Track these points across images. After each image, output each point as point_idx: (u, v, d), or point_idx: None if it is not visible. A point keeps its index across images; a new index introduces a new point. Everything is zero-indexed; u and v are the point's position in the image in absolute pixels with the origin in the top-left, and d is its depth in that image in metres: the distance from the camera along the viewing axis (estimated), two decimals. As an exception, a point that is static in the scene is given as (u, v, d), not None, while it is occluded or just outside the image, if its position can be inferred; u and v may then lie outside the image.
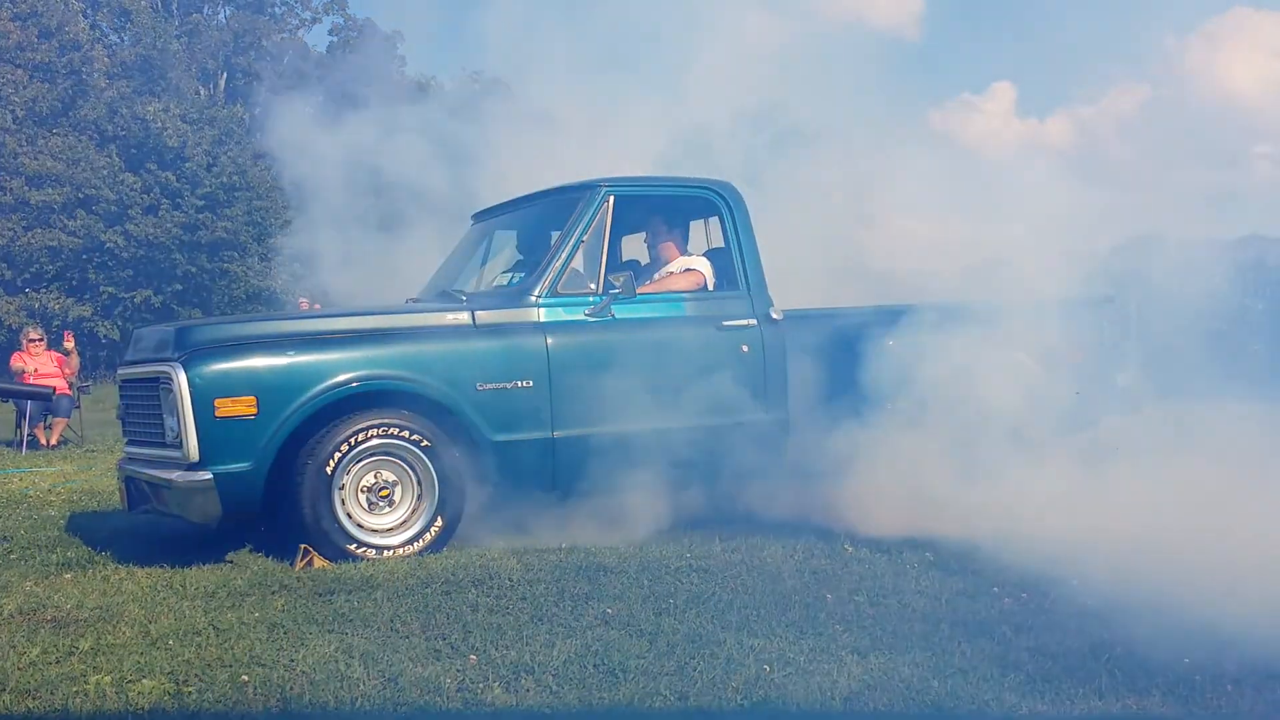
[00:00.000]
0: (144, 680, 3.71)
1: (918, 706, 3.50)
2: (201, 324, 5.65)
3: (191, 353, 5.31)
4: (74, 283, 33.76)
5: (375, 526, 5.50)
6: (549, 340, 5.77)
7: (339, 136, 10.08)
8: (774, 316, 6.25)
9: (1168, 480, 5.77)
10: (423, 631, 4.19)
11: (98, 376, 26.26)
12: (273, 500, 5.37)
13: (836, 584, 4.93)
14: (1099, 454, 6.14)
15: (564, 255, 6.01)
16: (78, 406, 14.14)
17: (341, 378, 5.36)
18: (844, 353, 6.13)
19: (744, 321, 6.20)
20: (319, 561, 5.31)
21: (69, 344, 14.84)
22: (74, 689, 3.63)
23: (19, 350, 14.23)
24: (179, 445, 5.23)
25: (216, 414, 5.18)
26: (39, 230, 33.00)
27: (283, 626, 4.28)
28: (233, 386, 5.23)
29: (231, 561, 5.48)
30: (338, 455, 5.35)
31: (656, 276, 6.47)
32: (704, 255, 6.55)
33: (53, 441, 13.17)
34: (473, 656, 3.84)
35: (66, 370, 14.15)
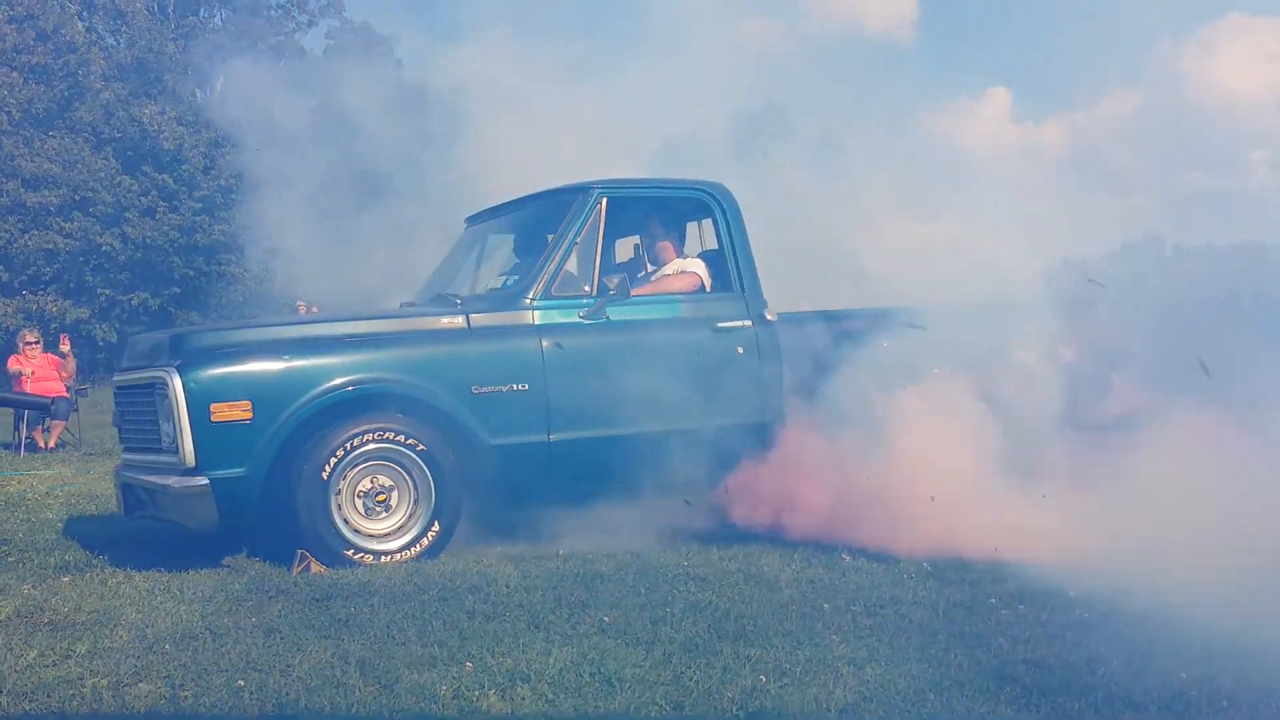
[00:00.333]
0: (140, 684, 3.71)
1: (914, 718, 3.50)
2: (196, 330, 5.67)
3: (187, 358, 5.32)
4: (71, 285, 33.72)
5: (372, 531, 5.50)
6: (544, 343, 5.78)
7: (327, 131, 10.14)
8: (768, 318, 6.26)
9: (1167, 489, 5.75)
10: (419, 638, 4.18)
11: (95, 379, 26.26)
12: (270, 505, 5.37)
13: (833, 594, 4.93)
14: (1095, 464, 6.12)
15: (558, 257, 6.03)
16: (75, 409, 14.12)
17: (336, 381, 5.37)
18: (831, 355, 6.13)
19: (739, 323, 6.21)
20: (316, 567, 5.31)
21: (65, 347, 14.82)
22: (71, 692, 3.63)
23: (15, 354, 14.19)
24: (175, 451, 5.24)
25: (212, 419, 5.19)
26: (36, 232, 32.96)
27: (279, 632, 4.28)
28: (228, 391, 5.23)
29: (229, 566, 5.48)
30: (334, 460, 5.36)
31: (652, 278, 6.48)
32: (699, 257, 6.56)
33: (51, 444, 13.15)
34: (469, 664, 3.84)
35: (63, 373, 14.14)
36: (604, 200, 6.16)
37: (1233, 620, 4.24)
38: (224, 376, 5.27)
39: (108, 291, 33.63)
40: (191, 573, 5.33)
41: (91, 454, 12.60)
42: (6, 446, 13.24)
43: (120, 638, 4.24)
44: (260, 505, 5.33)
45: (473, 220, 7.17)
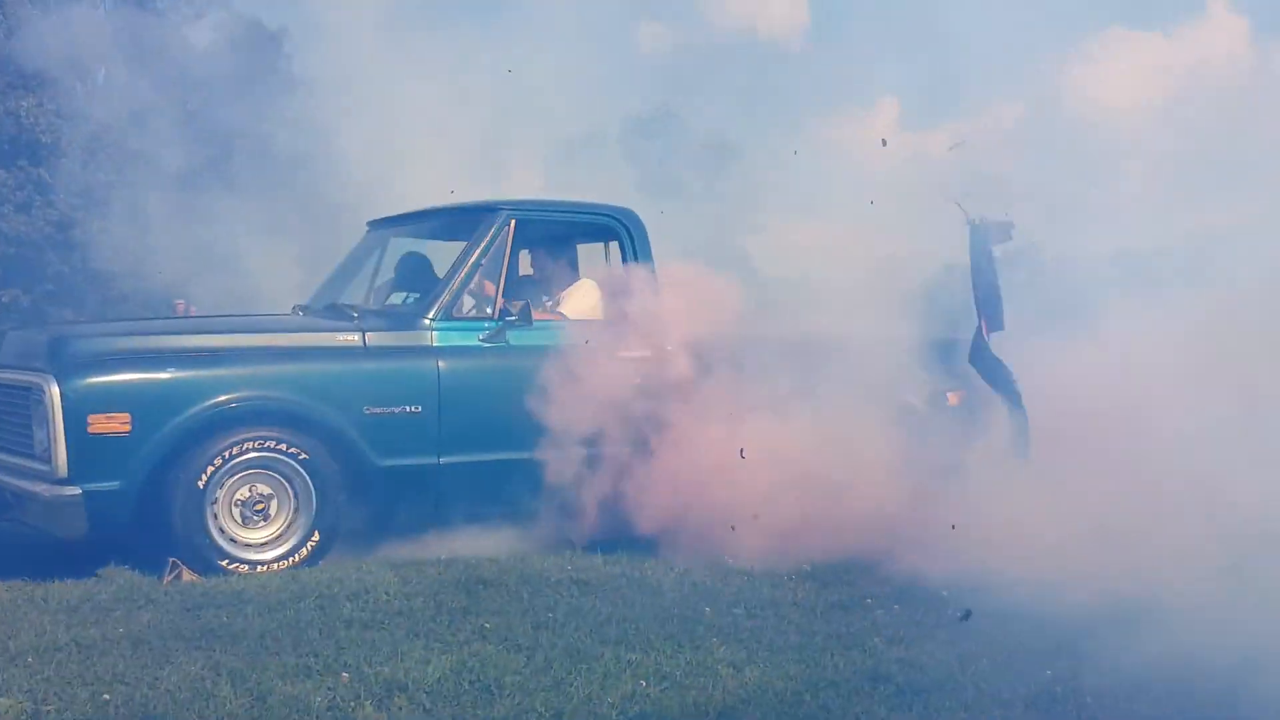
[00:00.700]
0: (1, 699, 3.57)
1: (790, 720, 3.55)
2: (77, 334, 5.47)
3: (65, 365, 5.13)
4: (-61, 281, 32.42)
5: (249, 540, 5.37)
6: (441, 365, 5.71)
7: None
8: (669, 349, 6.24)
9: (1038, 489, 5.87)
10: (294, 648, 4.10)
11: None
12: (144, 512, 5.21)
13: (715, 597, 4.97)
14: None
15: (460, 278, 5.96)
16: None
17: (222, 398, 5.22)
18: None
19: (639, 353, 6.16)
20: (188, 575, 5.17)
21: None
22: (-78, 711, 3.49)
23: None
24: (47, 459, 5.05)
25: (89, 430, 5.01)
26: (-98, 227, 31.63)
27: (148, 643, 4.15)
28: (108, 402, 5.06)
29: (97, 575, 5.30)
30: (211, 468, 5.22)
31: (553, 302, 6.44)
32: (601, 283, 6.52)
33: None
34: (345, 674, 3.77)
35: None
36: (511, 222, 6.11)
37: (1098, 617, 4.37)
38: (104, 387, 5.09)
39: (-23, 288, 32.41)
40: (58, 581, 5.14)
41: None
42: None
43: (-21, 651, 4.08)
44: (134, 516, 5.16)
45: (375, 225, 7.05)
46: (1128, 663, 3.92)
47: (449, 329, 5.88)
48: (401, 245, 6.94)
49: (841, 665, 4.03)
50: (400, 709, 3.53)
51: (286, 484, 5.44)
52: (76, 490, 5.05)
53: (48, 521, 5.13)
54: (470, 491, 5.76)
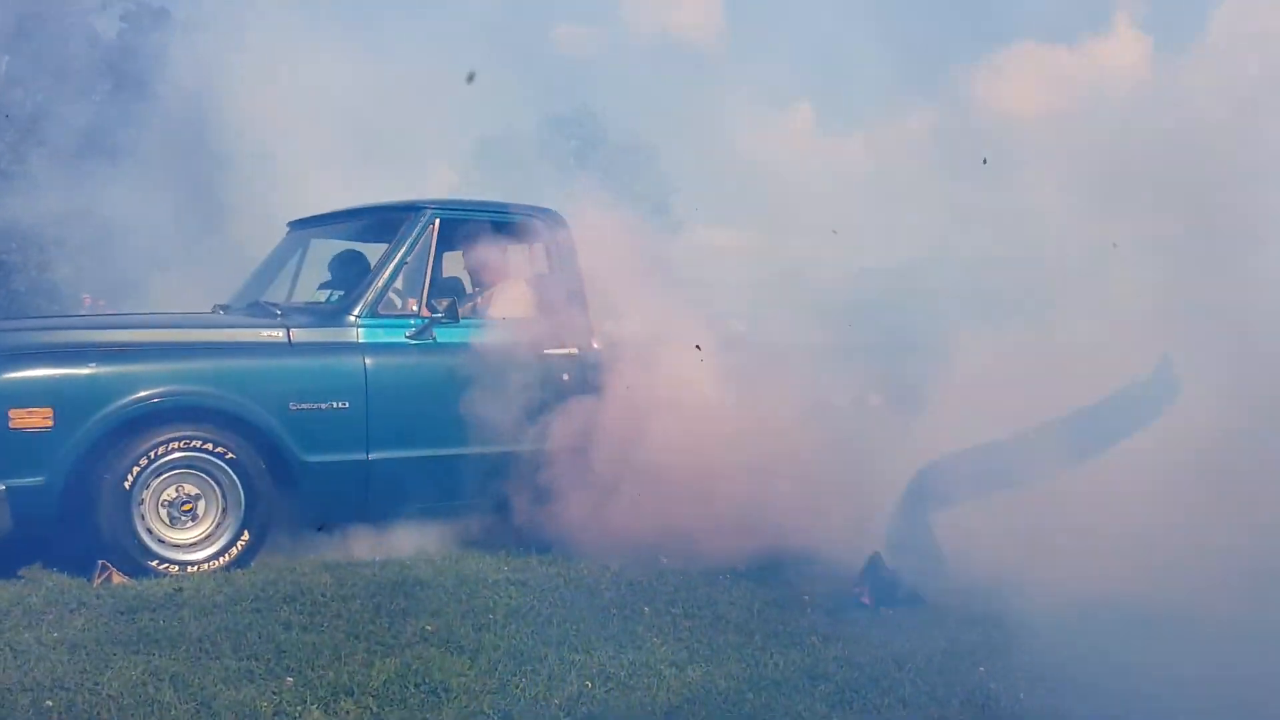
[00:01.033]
0: (-67, 709, 3.50)
1: (735, 719, 3.61)
2: None
3: None
4: None
5: (178, 541, 5.30)
6: (367, 361, 5.69)
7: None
8: (595, 346, 6.30)
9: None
10: (234, 652, 4.07)
11: None
12: (69, 513, 5.12)
13: (653, 596, 5.03)
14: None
15: (386, 275, 5.94)
16: None
17: (144, 392, 5.16)
18: None
19: (565, 350, 6.23)
20: (117, 578, 5.09)
21: None
22: None
23: None
24: None
25: (10, 425, 4.92)
26: None
27: (84, 647, 4.09)
28: (28, 397, 4.97)
29: (24, 577, 5.20)
30: (137, 469, 5.15)
31: (480, 300, 6.44)
32: (526, 282, 6.54)
33: None
34: (289, 679, 3.76)
35: None
36: (436, 221, 6.11)
37: (1028, 609, 4.49)
38: (24, 381, 5.00)
39: None
40: (-18, 585, 5.04)
41: None
42: None
43: (-93, 659, 3.98)
44: (59, 514, 5.07)
45: (296, 225, 6.98)
46: (1060, 659, 4.07)
47: (375, 325, 5.86)
48: (323, 245, 6.89)
49: (782, 664, 4.11)
50: (348, 713, 3.53)
51: (214, 483, 5.38)
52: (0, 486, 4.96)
53: None
54: (400, 487, 5.75)
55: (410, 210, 6.17)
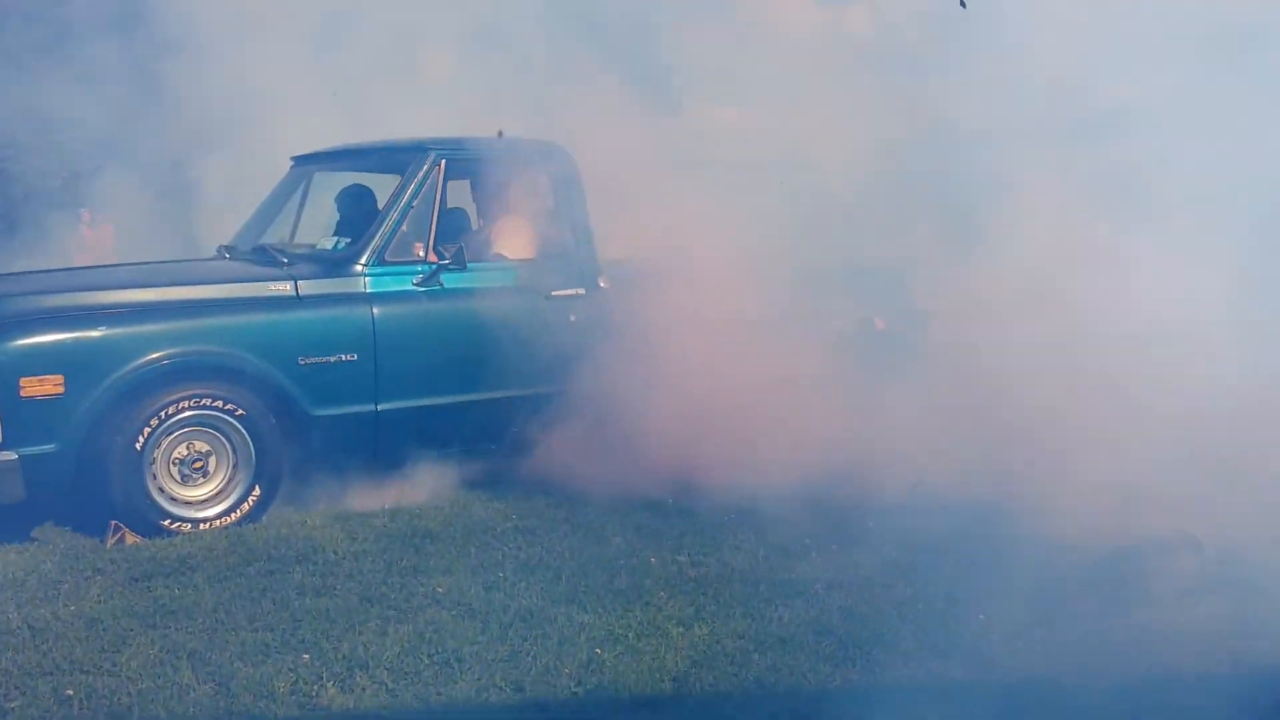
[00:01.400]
0: (-40, 697, 3.59)
1: (741, 683, 3.70)
2: (3, 294, 5.32)
3: None
4: None
5: (189, 498, 5.36)
6: (375, 311, 5.68)
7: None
8: (601, 285, 6.28)
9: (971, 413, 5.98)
10: (249, 623, 4.14)
11: None
12: (81, 475, 5.17)
13: (659, 541, 5.10)
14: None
15: (392, 221, 5.89)
16: None
17: (155, 354, 5.16)
18: None
19: (572, 291, 6.21)
20: (130, 538, 5.16)
21: None
22: (-118, 713, 3.50)
23: None
24: None
25: (21, 394, 4.93)
26: None
27: (101, 622, 4.16)
28: (39, 365, 4.98)
29: (36, 539, 5.27)
30: (148, 430, 5.18)
31: (486, 240, 6.40)
32: (532, 220, 6.49)
33: None
34: (305, 655, 3.83)
35: None
36: (441, 163, 6.04)
37: (1034, 551, 4.54)
38: (34, 348, 5.00)
39: None
40: (-3, 549, 5.11)
41: None
42: None
43: (-70, 637, 4.07)
44: (72, 479, 5.12)
45: (300, 161, 6.90)
46: (1054, 603, 4.14)
47: (382, 274, 5.84)
48: (326, 181, 6.83)
49: (786, 618, 4.18)
50: (364, 689, 3.61)
51: (224, 440, 5.42)
52: (12, 455, 4.98)
53: None
54: (409, 436, 5.80)
55: (414, 151, 6.10)
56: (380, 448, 5.73)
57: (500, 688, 3.62)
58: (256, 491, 5.45)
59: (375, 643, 3.94)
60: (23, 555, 5.03)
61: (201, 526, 5.32)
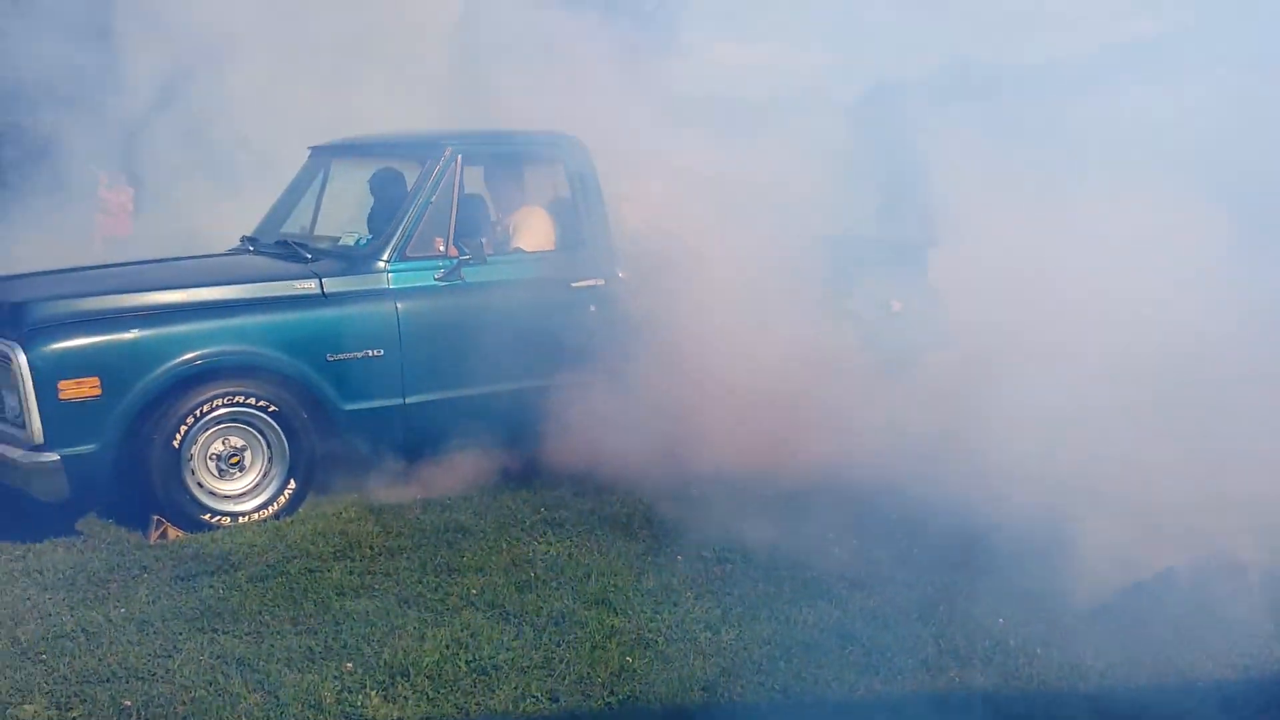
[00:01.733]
0: (25, 705, 3.75)
1: (768, 692, 3.84)
2: (40, 297, 5.44)
3: (31, 331, 5.16)
4: None
5: (227, 492, 5.52)
6: (399, 306, 5.80)
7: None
8: (620, 275, 6.38)
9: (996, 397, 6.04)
10: (293, 626, 4.30)
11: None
12: (122, 473, 5.33)
13: (684, 536, 5.22)
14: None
15: (412, 217, 5.99)
16: None
17: (188, 355, 5.30)
18: None
19: (592, 281, 6.32)
20: (173, 533, 5.33)
21: None
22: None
23: None
24: (22, 425, 5.13)
25: (60, 396, 5.08)
26: None
27: (151, 625, 4.33)
28: (76, 368, 5.12)
29: (82, 534, 5.43)
30: (184, 428, 5.33)
31: (507, 233, 6.49)
32: (549, 212, 6.58)
33: None
34: (349, 663, 3.99)
35: None
36: (458, 158, 6.13)
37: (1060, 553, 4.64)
38: (71, 352, 5.14)
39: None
40: (46, 544, 5.27)
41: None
42: None
43: (-11, 640, 4.23)
44: (113, 476, 5.28)
45: (318, 151, 7.00)
46: (1077, 610, 4.27)
47: (404, 270, 5.95)
48: (343, 171, 6.94)
49: (811, 622, 4.32)
50: (406, 698, 3.76)
51: (259, 435, 5.57)
52: (55, 456, 5.14)
53: (28, 486, 5.22)
54: (436, 428, 5.94)
55: (431, 147, 6.19)
56: (409, 440, 5.88)
57: (536, 697, 3.78)
58: (291, 485, 5.60)
59: (414, 648, 4.09)
60: (70, 552, 5.20)
61: (241, 520, 5.48)
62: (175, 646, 4.16)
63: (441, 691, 3.81)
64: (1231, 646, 4.08)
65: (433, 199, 6.06)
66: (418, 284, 5.95)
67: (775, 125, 7.84)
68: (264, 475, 5.59)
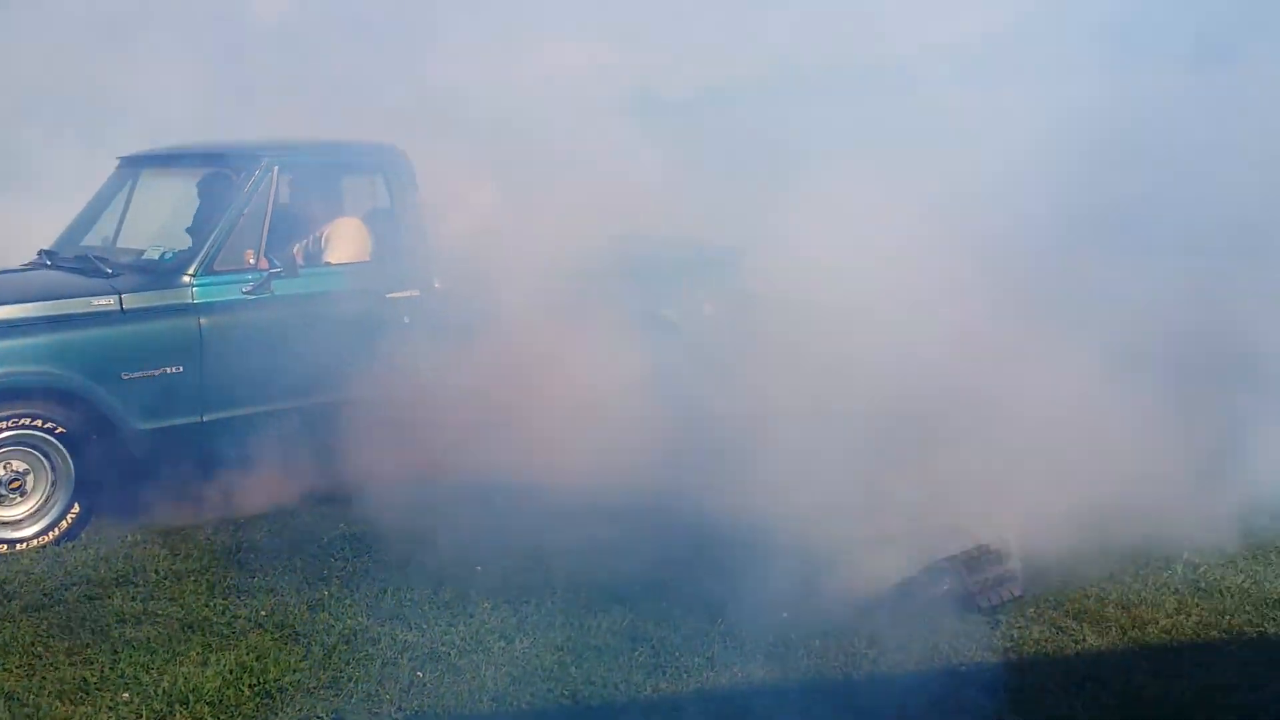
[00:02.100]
0: None
1: (557, 698, 3.87)
2: None
3: None
4: None
5: (5, 519, 5.28)
6: (202, 321, 5.64)
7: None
8: (436, 286, 6.33)
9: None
10: (68, 657, 4.14)
11: None
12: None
13: (485, 546, 5.18)
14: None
15: (223, 230, 5.84)
16: None
17: None
18: None
19: (407, 293, 6.25)
20: (-55, 562, 5.08)
21: None
22: None
23: None
24: None
25: None
26: None
27: (-87, 662, 4.12)
28: None
29: None
30: (-38, 453, 5.09)
31: (321, 244, 6.37)
32: (366, 223, 6.49)
33: None
34: (124, 694, 3.86)
35: None
36: (274, 169, 5.99)
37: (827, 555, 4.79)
38: None
39: None
40: None
41: None
42: None
43: None
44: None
45: (128, 161, 6.74)
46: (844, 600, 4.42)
47: (210, 284, 5.79)
48: (153, 182, 6.71)
49: (603, 626, 4.37)
50: (184, 727, 3.67)
51: (43, 458, 5.35)
52: None
53: None
54: (236, 446, 5.79)
55: (247, 159, 6.05)
56: (207, 459, 5.71)
57: (321, 718, 3.72)
58: (75, 509, 5.39)
59: (196, 674, 3.98)
60: None
61: (18, 547, 5.25)
62: (-62, 685, 3.95)
63: (222, 718, 3.72)
64: (991, 630, 4.29)
65: (245, 210, 5.92)
66: (224, 298, 5.79)
67: (595, 129, 7.88)
68: (46, 500, 5.37)
